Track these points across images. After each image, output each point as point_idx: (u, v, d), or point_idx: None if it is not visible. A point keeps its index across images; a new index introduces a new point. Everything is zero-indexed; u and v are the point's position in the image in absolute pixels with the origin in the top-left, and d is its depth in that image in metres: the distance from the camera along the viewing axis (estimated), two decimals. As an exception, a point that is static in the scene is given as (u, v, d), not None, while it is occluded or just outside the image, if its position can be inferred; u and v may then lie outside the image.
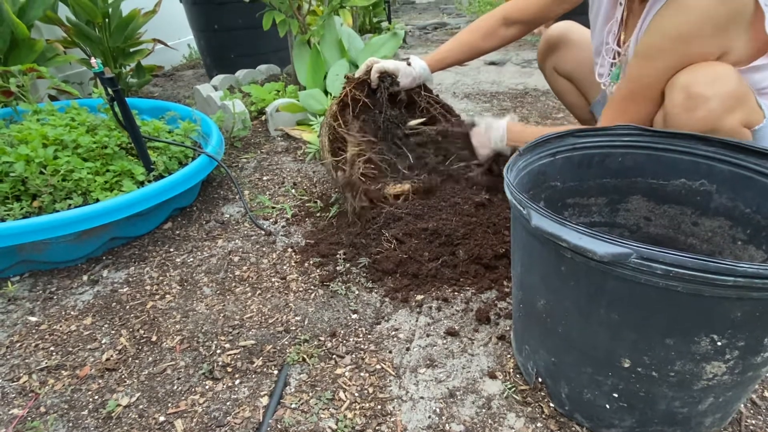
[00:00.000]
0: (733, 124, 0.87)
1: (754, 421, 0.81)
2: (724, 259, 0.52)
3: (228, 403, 0.87)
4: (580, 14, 1.25)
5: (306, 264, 1.23)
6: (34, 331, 1.06)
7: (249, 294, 1.14)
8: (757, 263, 0.52)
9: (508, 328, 1.01)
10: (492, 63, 3.16)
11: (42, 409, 0.88)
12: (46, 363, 0.97)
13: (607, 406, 0.74)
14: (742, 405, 0.83)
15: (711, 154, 0.84)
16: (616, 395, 0.71)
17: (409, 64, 1.35)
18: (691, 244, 0.92)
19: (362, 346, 0.98)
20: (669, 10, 0.90)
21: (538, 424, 0.81)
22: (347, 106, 1.31)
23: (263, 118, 2.19)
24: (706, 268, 0.52)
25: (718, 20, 0.85)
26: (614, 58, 1.13)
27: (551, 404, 0.83)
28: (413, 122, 1.39)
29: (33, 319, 1.09)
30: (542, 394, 0.85)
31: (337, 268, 1.19)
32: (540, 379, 0.85)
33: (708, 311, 0.57)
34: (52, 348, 1.01)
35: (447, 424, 0.81)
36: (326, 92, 2.04)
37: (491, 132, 1.23)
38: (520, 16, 1.27)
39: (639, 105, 0.99)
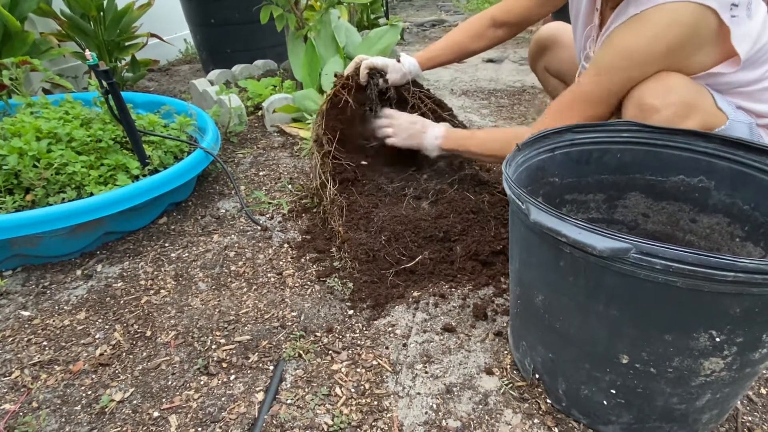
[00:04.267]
0: (690, 128, 0.88)
1: (750, 418, 0.81)
2: (723, 255, 0.51)
3: (223, 399, 0.87)
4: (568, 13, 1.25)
5: (302, 260, 1.22)
6: (26, 325, 1.05)
7: (245, 289, 1.13)
8: (757, 258, 0.51)
9: (505, 325, 1.01)
10: (490, 60, 3.15)
11: (34, 404, 0.87)
12: (39, 358, 0.96)
13: (605, 403, 0.73)
14: (739, 402, 0.83)
15: (710, 151, 0.83)
16: (613, 391, 0.71)
17: (398, 61, 1.35)
18: (689, 241, 0.92)
19: (359, 342, 0.98)
20: (624, 30, 0.92)
21: (535, 420, 0.80)
22: (336, 106, 1.30)
23: (260, 113, 2.18)
24: (705, 263, 0.52)
25: (668, 45, 0.88)
26: None
27: (548, 400, 0.83)
28: None
29: (25, 313, 1.08)
30: (539, 390, 0.85)
31: (334, 263, 1.19)
32: (537, 376, 0.84)
33: (707, 307, 0.57)
34: (44, 343, 1.00)
35: (443, 420, 0.81)
36: (322, 90, 2.03)
37: (428, 129, 1.27)
38: (507, 18, 1.29)
39: (574, 117, 1.01)
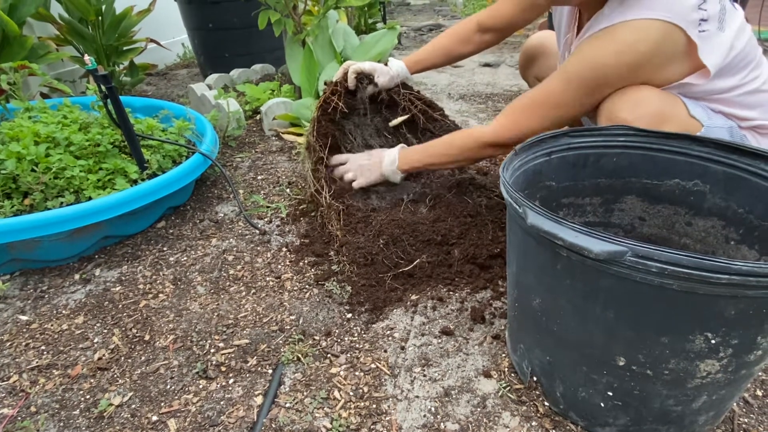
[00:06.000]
0: None
1: (746, 420, 0.82)
2: (718, 257, 0.52)
3: (222, 403, 0.87)
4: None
5: (301, 263, 1.23)
6: (24, 330, 1.05)
7: (243, 293, 1.14)
8: (751, 261, 0.52)
9: (502, 328, 1.01)
10: (487, 65, 3.17)
11: (32, 409, 0.86)
12: (37, 362, 0.96)
13: (602, 405, 0.74)
14: (735, 403, 0.84)
15: (705, 155, 0.84)
16: (610, 393, 0.72)
17: (386, 65, 1.36)
18: (684, 244, 0.93)
19: (357, 346, 0.98)
20: (593, 43, 0.93)
21: (533, 423, 0.81)
22: (327, 112, 1.31)
23: (258, 117, 2.19)
24: (700, 265, 0.53)
25: (634, 60, 0.89)
26: None
27: (546, 403, 0.84)
28: (395, 121, 1.39)
29: (24, 318, 1.08)
30: (537, 392, 0.85)
31: (332, 267, 1.19)
32: (535, 378, 0.85)
33: (702, 309, 0.58)
34: (43, 347, 1.00)
35: (442, 423, 0.81)
36: (319, 96, 2.04)
37: (384, 157, 1.25)
38: (492, 23, 1.30)
39: (533, 119, 1.03)
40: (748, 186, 0.80)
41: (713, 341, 0.60)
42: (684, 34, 0.86)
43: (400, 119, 1.39)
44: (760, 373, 0.90)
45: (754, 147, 0.79)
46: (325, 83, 1.37)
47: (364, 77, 1.33)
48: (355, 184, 1.27)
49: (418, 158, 1.22)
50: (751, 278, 0.52)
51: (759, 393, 0.87)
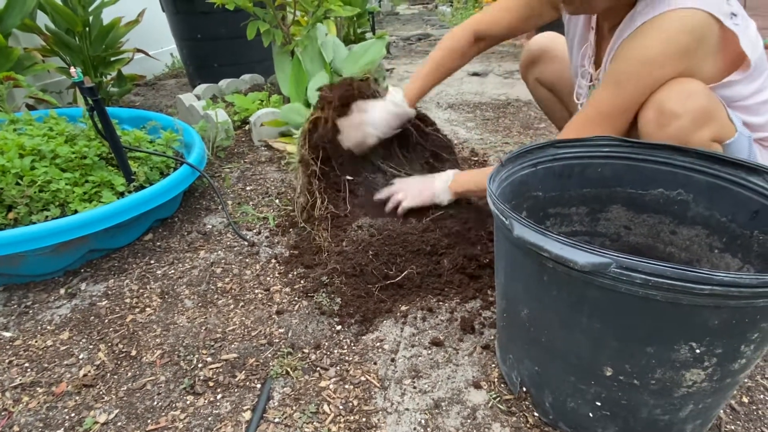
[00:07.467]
0: (702, 139, 0.90)
1: (733, 427, 0.82)
2: (701, 268, 0.53)
3: (210, 419, 0.86)
4: (562, 26, 1.27)
5: (290, 275, 1.22)
6: (8, 347, 1.03)
7: (231, 306, 1.13)
8: (733, 272, 0.53)
9: (492, 338, 1.01)
10: (475, 74, 3.20)
11: (15, 428, 0.85)
12: (21, 380, 0.94)
13: (591, 415, 0.74)
14: (722, 411, 0.85)
15: (688, 165, 0.85)
16: (598, 403, 0.72)
17: (387, 90, 1.31)
18: (670, 253, 0.94)
19: (347, 358, 0.97)
20: (635, 39, 0.92)
21: (523, 434, 0.81)
22: (316, 125, 1.31)
23: (247, 127, 2.18)
24: (683, 277, 0.53)
25: (682, 47, 0.89)
26: (591, 81, 1.16)
27: (536, 413, 0.84)
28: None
29: (7, 334, 1.06)
30: (527, 403, 0.85)
31: (322, 279, 1.18)
32: (524, 389, 0.85)
33: (686, 319, 0.58)
34: (26, 364, 0.98)
35: (432, 436, 0.81)
36: (308, 104, 2.04)
37: (436, 179, 1.26)
38: (490, 32, 1.29)
39: (599, 129, 1.01)
40: (730, 195, 0.81)
41: (698, 351, 0.61)
42: (719, 27, 0.87)
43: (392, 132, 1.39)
44: (745, 380, 0.91)
45: (735, 157, 0.80)
46: (321, 90, 1.34)
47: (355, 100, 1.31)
48: (404, 204, 1.27)
49: (470, 184, 1.21)
50: (733, 289, 0.53)
51: (745, 400, 0.88)
